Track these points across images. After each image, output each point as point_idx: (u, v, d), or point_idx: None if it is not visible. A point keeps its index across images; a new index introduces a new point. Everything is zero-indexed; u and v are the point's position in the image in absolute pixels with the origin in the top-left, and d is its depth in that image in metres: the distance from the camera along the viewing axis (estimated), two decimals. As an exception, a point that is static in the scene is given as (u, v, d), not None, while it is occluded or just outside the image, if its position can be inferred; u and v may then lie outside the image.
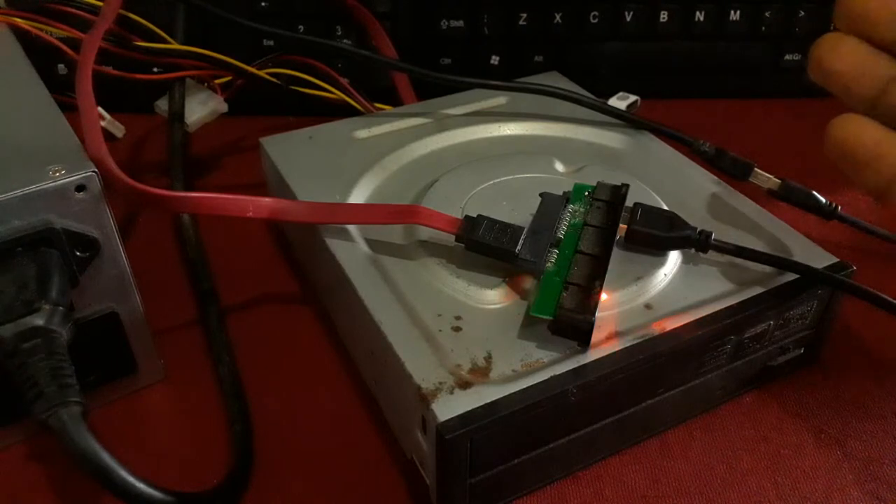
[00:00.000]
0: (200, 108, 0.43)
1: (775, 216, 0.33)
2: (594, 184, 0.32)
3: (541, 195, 0.31)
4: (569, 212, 0.31)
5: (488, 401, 0.24)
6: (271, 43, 0.48)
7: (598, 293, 0.27)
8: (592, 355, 0.26)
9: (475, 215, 0.30)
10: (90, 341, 0.27)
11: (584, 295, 0.26)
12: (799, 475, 0.28)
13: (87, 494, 0.28)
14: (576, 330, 0.26)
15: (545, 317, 0.26)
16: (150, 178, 0.45)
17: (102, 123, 0.47)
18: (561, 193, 0.31)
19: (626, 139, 0.39)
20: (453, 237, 0.29)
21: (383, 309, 0.28)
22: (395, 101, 0.45)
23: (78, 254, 0.27)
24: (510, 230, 0.29)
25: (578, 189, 0.32)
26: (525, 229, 0.29)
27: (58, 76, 0.48)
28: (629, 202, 0.31)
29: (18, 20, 0.39)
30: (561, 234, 0.30)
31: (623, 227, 0.30)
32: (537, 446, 0.26)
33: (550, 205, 0.31)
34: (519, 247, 0.28)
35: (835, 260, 0.30)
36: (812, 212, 0.34)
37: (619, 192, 0.31)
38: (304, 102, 0.44)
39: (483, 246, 0.29)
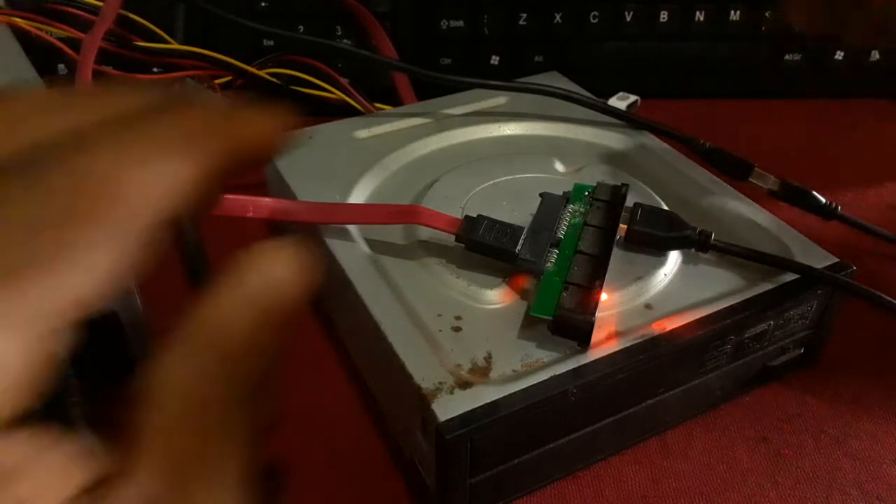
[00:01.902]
0: (200, 108, 0.43)
1: (775, 216, 0.33)
2: (594, 184, 0.32)
3: (541, 195, 0.31)
4: (569, 212, 0.31)
5: (488, 401, 0.24)
6: (271, 43, 0.48)
7: (599, 293, 0.27)
8: (592, 355, 0.26)
9: (475, 215, 0.30)
10: (90, 341, 0.27)
11: (585, 295, 0.26)
12: (799, 475, 0.28)
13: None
14: (576, 330, 0.26)
15: (545, 317, 0.26)
16: (150, 178, 0.45)
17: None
18: (561, 193, 0.32)
19: (626, 139, 0.39)
20: (453, 237, 0.29)
21: (383, 309, 0.28)
22: (395, 101, 0.45)
23: (78, 254, 0.26)
24: (510, 230, 0.29)
25: (578, 189, 0.32)
26: (525, 229, 0.29)
27: (58, 76, 0.48)
28: (629, 202, 0.31)
29: (18, 20, 0.39)
30: (561, 234, 0.30)
31: (623, 227, 0.30)
32: (537, 446, 0.26)
33: (550, 205, 0.31)
34: (519, 247, 0.28)
35: (835, 260, 0.30)
36: (812, 212, 0.34)
37: (619, 192, 0.31)
38: (304, 102, 0.44)
39: (483, 246, 0.29)
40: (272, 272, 0.15)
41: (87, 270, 0.12)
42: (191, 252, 0.38)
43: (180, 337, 0.14)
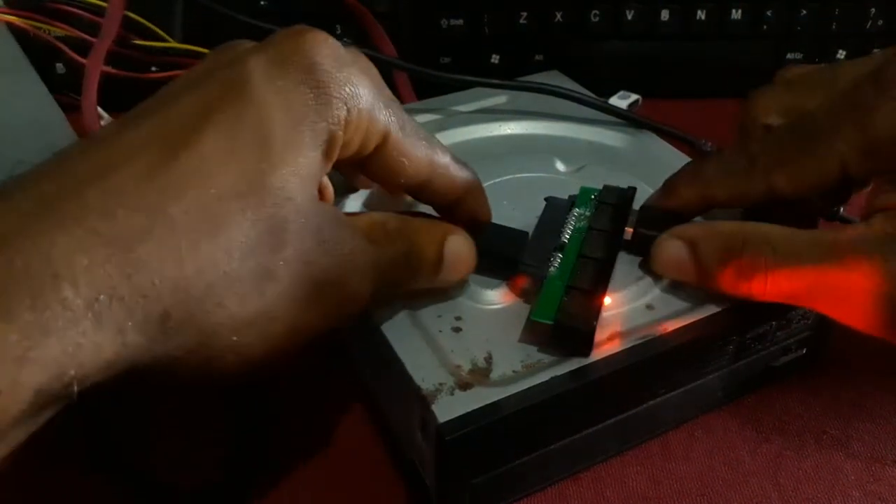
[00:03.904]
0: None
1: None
2: (596, 183, 0.32)
3: (546, 199, 0.31)
4: (574, 216, 0.30)
5: (489, 402, 0.24)
6: (271, 42, 0.48)
7: (601, 298, 0.26)
8: (594, 356, 0.26)
9: (477, 220, 0.30)
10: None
11: (587, 300, 0.26)
12: (801, 476, 0.28)
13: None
14: (576, 335, 0.25)
15: (546, 321, 0.26)
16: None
17: (101, 123, 0.47)
18: (562, 193, 0.31)
19: (628, 138, 0.39)
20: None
21: (383, 309, 0.28)
22: (396, 100, 0.45)
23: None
24: (513, 236, 0.29)
25: (584, 192, 0.32)
26: (529, 235, 0.29)
27: (57, 76, 0.48)
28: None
29: (18, 19, 0.39)
30: (566, 238, 0.29)
31: (629, 230, 0.30)
32: (538, 447, 0.26)
33: (555, 210, 0.31)
34: (522, 253, 0.28)
35: (837, 260, 0.30)
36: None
37: (626, 195, 0.31)
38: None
39: (486, 253, 0.29)
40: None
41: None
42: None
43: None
